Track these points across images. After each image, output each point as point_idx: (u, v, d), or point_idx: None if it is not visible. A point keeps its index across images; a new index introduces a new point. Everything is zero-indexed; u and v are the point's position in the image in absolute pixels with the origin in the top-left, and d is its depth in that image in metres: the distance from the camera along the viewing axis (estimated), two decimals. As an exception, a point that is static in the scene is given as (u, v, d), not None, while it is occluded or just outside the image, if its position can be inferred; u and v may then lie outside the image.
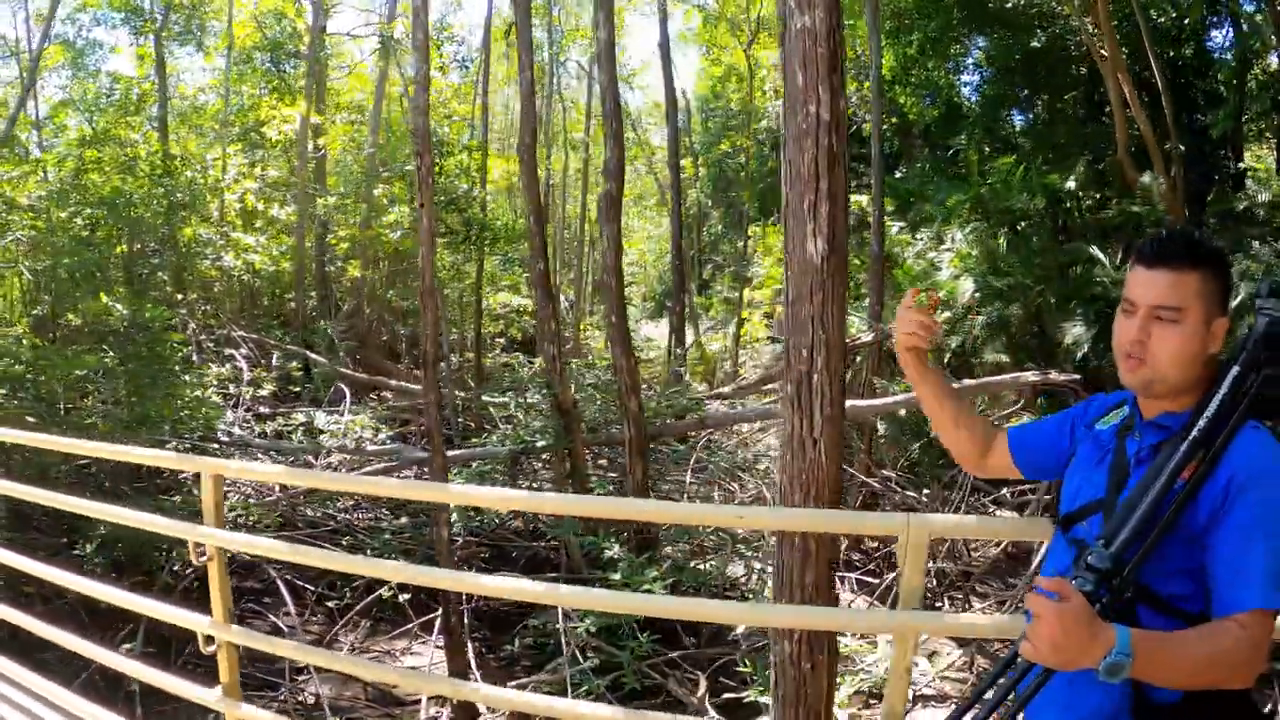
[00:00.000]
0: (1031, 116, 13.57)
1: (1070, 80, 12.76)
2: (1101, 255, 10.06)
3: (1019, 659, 1.28)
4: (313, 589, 7.25)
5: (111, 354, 7.26)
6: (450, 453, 8.13)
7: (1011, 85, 12.90)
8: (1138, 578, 1.32)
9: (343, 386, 12.09)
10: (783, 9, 2.56)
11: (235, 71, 15.10)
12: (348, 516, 8.15)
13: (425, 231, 5.74)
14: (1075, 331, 9.48)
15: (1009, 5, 12.48)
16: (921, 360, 1.80)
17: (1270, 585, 1.27)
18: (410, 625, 6.77)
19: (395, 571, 4.18)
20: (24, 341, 7.53)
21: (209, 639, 2.89)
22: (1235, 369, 1.36)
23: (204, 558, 2.83)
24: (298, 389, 12.12)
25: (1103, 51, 11.19)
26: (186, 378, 8.18)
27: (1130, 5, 10.93)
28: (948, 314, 9.96)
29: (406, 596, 6.77)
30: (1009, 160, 11.16)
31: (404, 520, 7.98)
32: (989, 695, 1.34)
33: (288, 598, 6.81)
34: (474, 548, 7.93)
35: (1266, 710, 3.99)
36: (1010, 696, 1.32)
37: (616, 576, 6.25)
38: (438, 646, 6.38)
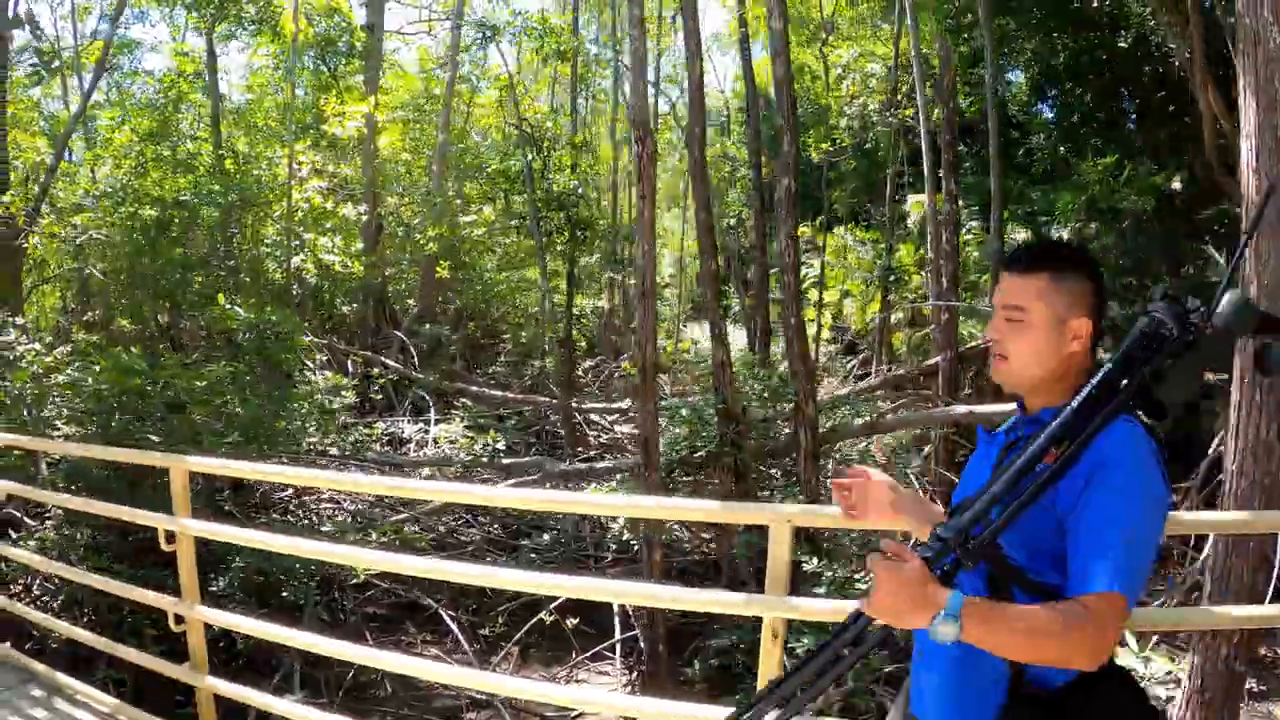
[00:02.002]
0: (1103, 117, 13.47)
1: (1151, 82, 12.69)
2: (1218, 255, 9.95)
3: (861, 617, 1.34)
4: (473, 616, 6.83)
5: (241, 363, 6.77)
6: (599, 465, 7.78)
7: (1092, 86, 12.77)
8: (1016, 560, 1.39)
9: (425, 395, 11.62)
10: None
11: (283, 68, 14.56)
12: (489, 532, 7.71)
13: (645, 224, 5.38)
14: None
15: (1095, 4, 12.37)
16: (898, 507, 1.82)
17: (1118, 570, 1.30)
18: (593, 649, 6.39)
19: (561, 587, 3.88)
20: (134, 350, 6.95)
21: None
22: (1107, 363, 1.41)
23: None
24: (377, 398, 11.63)
25: (1188, 54, 11.17)
26: (303, 386, 7.65)
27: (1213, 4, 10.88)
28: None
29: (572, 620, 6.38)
30: (1111, 160, 11.03)
31: (546, 536, 7.57)
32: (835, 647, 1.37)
33: (453, 628, 6.41)
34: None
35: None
36: (846, 650, 1.36)
37: (821, 590, 5.95)
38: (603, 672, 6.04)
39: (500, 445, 8.75)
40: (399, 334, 12.60)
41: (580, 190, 10.53)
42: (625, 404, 12.18)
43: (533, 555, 7.31)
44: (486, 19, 10.17)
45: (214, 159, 12.44)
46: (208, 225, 11.19)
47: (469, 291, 13.70)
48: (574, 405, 10.54)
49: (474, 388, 12.01)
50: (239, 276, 11.24)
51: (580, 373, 14.20)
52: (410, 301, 14.30)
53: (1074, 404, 1.38)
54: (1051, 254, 1.58)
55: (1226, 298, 1.42)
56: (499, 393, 12.28)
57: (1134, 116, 12.96)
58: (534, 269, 16.51)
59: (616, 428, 12.04)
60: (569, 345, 12.09)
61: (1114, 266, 10.47)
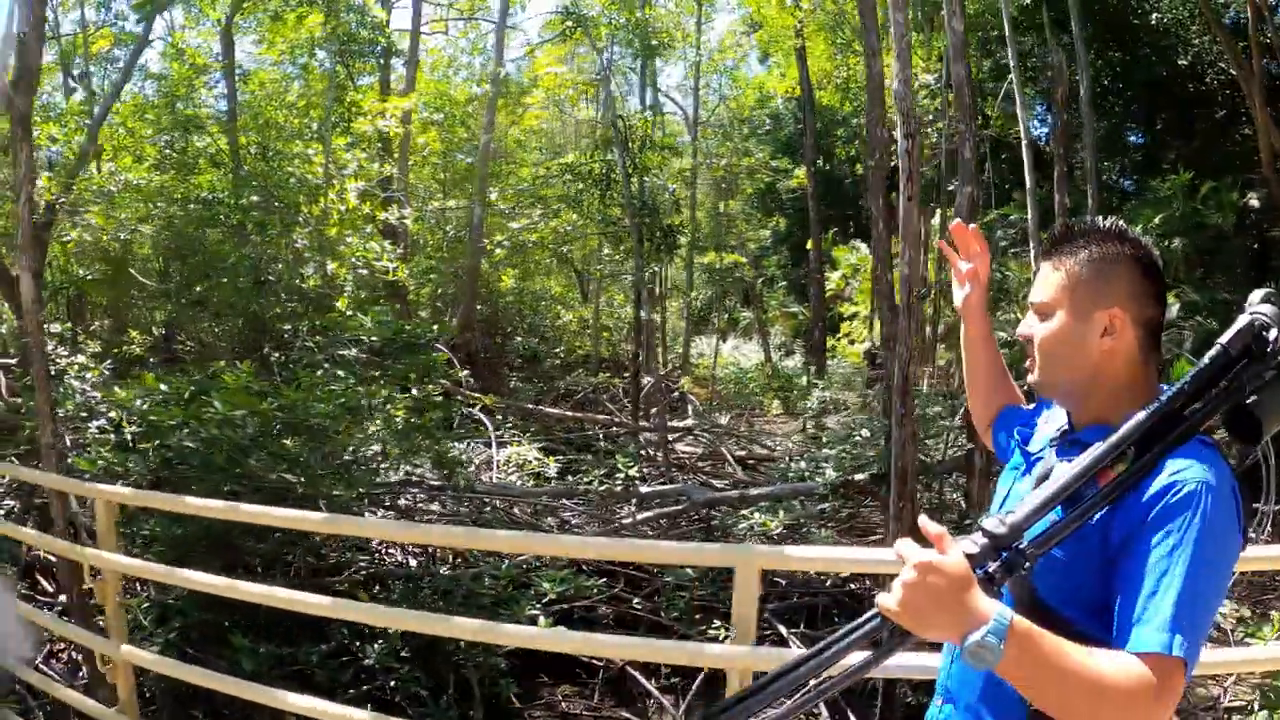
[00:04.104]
0: (1151, 136, 13.63)
1: (1205, 97, 12.87)
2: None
3: (877, 615, 1.09)
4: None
5: (376, 382, 5.88)
6: (754, 490, 7.15)
7: (1148, 102, 12.90)
8: (1049, 601, 1.19)
9: (480, 415, 10.76)
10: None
11: (301, 62, 13.63)
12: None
13: (909, 226, 4.82)
14: None
15: (1152, 21, 12.48)
16: (984, 297, 1.69)
17: (1179, 629, 1.07)
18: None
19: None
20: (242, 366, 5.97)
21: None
22: (1191, 371, 1.19)
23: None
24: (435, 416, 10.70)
25: (1243, 72, 11.34)
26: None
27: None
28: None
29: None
30: (1185, 178, 11.06)
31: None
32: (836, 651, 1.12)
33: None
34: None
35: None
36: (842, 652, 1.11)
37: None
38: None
39: (631, 474, 7.94)
40: (440, 346, 11.68)
41: (673, 191, 9.88)
42: (689, 421, 11.56)
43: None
44: (573, 7, 9.46)
45: (231, 157, 11.42)
46: (237, 226, 10.18)
47: (505, 301, 12.88)
48: (668, 425, 9.86)
49: (549, 409, 11.18)
50: (270, 282, 10.23)
51: (608, 386, 13.46)
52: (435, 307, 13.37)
53: (1142, 415, 1.16)
54: (1079, 236, 1.34)
55: None
56: (554, 410, 11.50)
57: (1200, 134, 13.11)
58: (556, 279, 15.82)
59: (679, 446, 11.43)
60: (638, 363, 11.41)
61: (1197, 282, 10.46)
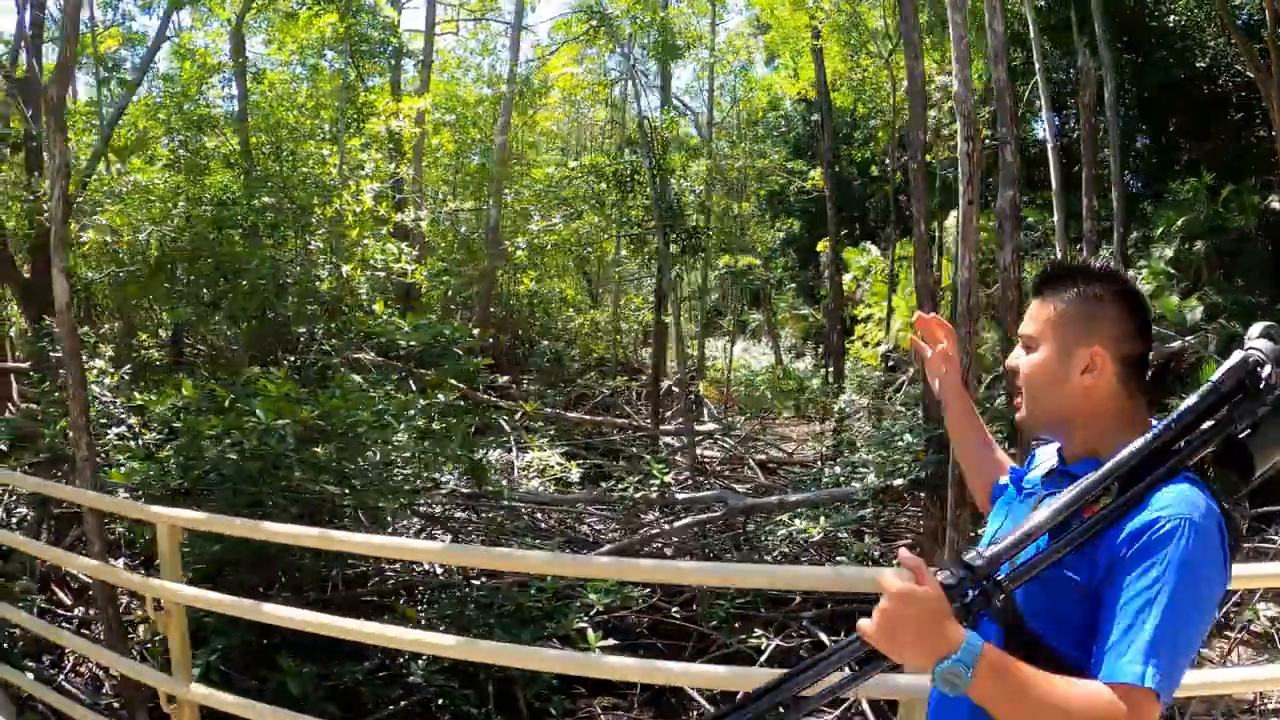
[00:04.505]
0: (1164, 138, 13.58)
1: (1221, 99, 12.83)
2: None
3: (857, 639, 1.14)
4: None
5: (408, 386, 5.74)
6: (793, 496, 7.03)
7: (1163, 104, 12.84)
8: (1036, 631, 1.22)
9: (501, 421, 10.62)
10: None
11: (310, 64, 13.49)
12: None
13: (969, 231, 4.72)
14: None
15: (1169, 23, 12.43)
16: (959, 375, 1.80)
17: (1157, 663, 1.10)
18: None
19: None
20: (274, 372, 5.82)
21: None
22: (1183, 405, 1.21)
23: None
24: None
25: (1262, 75, 11.29)
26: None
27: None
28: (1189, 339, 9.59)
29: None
30: (1206, 180, 11.02)
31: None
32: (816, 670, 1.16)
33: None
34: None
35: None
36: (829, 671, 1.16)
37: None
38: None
39: (665, 479, 7.77)
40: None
41: (700, 193, 9.76)
42: (710, 426, 11.44)
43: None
44: (597, 6, 9.32)
45: (243, 158, 11.26)
46: (251, 228, 10.03)
47: (520, 304, 12.74)
48: (695, 429, 9.73)
49: (568, 413, 11.04)
50: (286, 284, 10.08)
51: (624, 389, 13.32)
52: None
53: (1129, 450, 1.19)
54: (1069, 275, 1.39)
55: None
56: (573, 414, 11.36)
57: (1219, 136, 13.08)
58: (566, 282, 15.67)
59: (703, 451, 11.30)
60: (658, 366, 11.27)
61: (1219, 284, 10.41)
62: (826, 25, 12.62)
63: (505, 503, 6.26)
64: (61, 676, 5.05)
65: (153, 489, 4.50)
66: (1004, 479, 1.62)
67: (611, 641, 4.85)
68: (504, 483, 6.83)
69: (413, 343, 5.60)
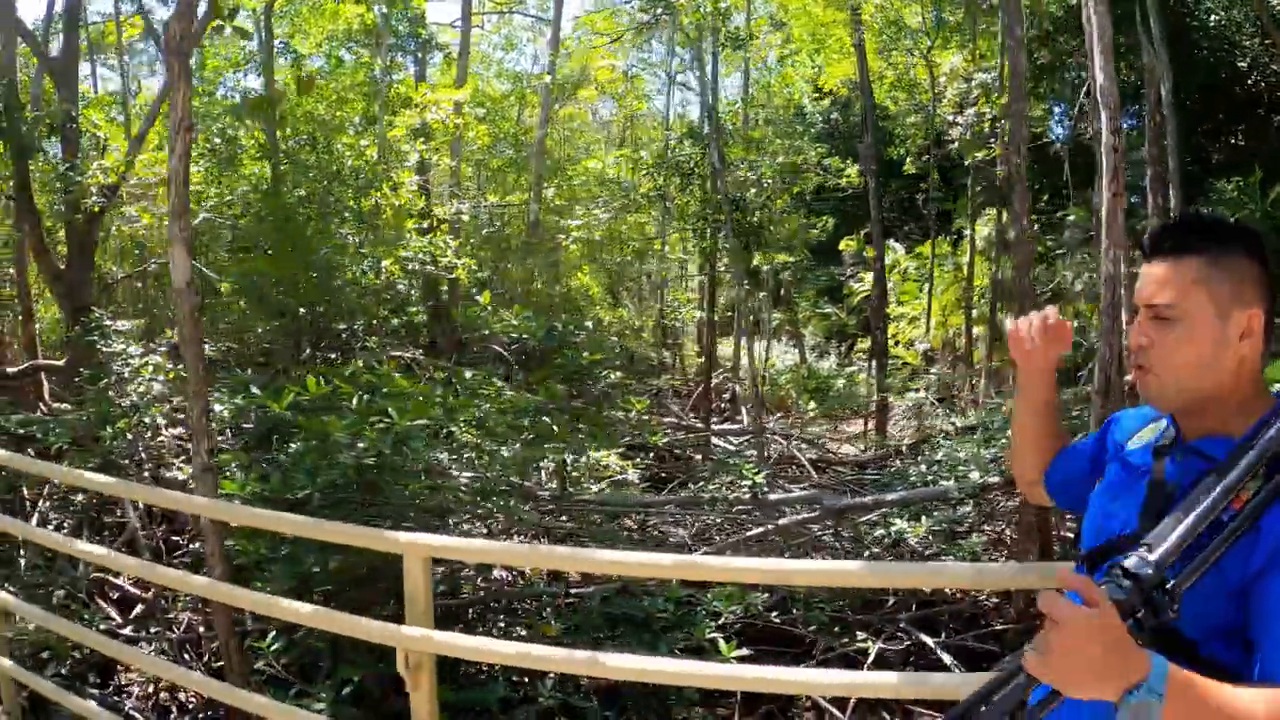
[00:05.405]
0: (1203, 136, 13.56)
1: (1257, 99, 12.86)
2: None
3: (1021, 674, 0.99)
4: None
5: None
6: (889, 496, 6.86)
7: (1203, 104, 12.83)
8: (1191, 637, 1.10)
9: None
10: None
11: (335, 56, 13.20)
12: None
13: (1115, 226, 4.57)
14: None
15: (1211, 23, 12.42)
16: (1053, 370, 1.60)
17: None
18: None
19: None
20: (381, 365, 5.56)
21: None
22: None
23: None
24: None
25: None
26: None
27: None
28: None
29: None
30: (1258, 178, 11.01)
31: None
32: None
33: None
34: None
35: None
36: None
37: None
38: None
39: (753, 480, 7.55)
40: (496, 346, 11.30)
41: (768, 185, 9.56)
42: (763, 423, 11.25)
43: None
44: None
45: (273, 151, 10.96)
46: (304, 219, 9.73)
47: (553, 302, 12.47)
48: (764, 428, 9.54)
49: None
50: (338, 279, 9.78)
51: (669, 388, 13.13)
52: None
53: (1277, 428, 1.08)
54: (1205, 230, 1.24)
55: None
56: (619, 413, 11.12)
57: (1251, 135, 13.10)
58: (593, 280, 15.43)
59: (748, 451, 11.10)
60: (710, 364, 11.07)
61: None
62: (868, 21, 12.48)
63: (602, 506, 6.04)
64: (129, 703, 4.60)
65: (274, 499, 4.14)
66: (1104, 448, 1.46)
67: (746, 651, 4.67)
68: (594, 486, 6.60)
69: (524, 335, 5.35)
